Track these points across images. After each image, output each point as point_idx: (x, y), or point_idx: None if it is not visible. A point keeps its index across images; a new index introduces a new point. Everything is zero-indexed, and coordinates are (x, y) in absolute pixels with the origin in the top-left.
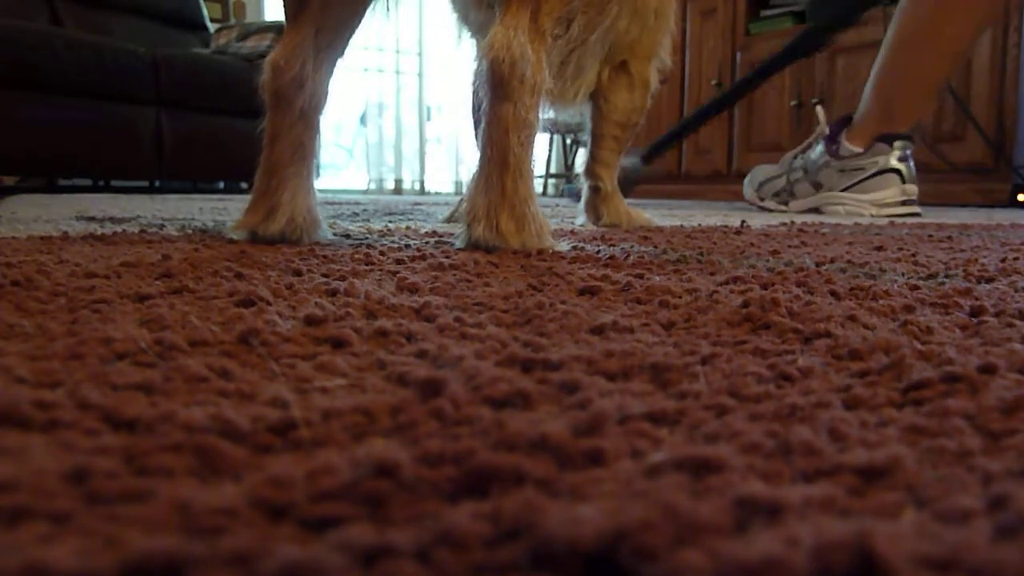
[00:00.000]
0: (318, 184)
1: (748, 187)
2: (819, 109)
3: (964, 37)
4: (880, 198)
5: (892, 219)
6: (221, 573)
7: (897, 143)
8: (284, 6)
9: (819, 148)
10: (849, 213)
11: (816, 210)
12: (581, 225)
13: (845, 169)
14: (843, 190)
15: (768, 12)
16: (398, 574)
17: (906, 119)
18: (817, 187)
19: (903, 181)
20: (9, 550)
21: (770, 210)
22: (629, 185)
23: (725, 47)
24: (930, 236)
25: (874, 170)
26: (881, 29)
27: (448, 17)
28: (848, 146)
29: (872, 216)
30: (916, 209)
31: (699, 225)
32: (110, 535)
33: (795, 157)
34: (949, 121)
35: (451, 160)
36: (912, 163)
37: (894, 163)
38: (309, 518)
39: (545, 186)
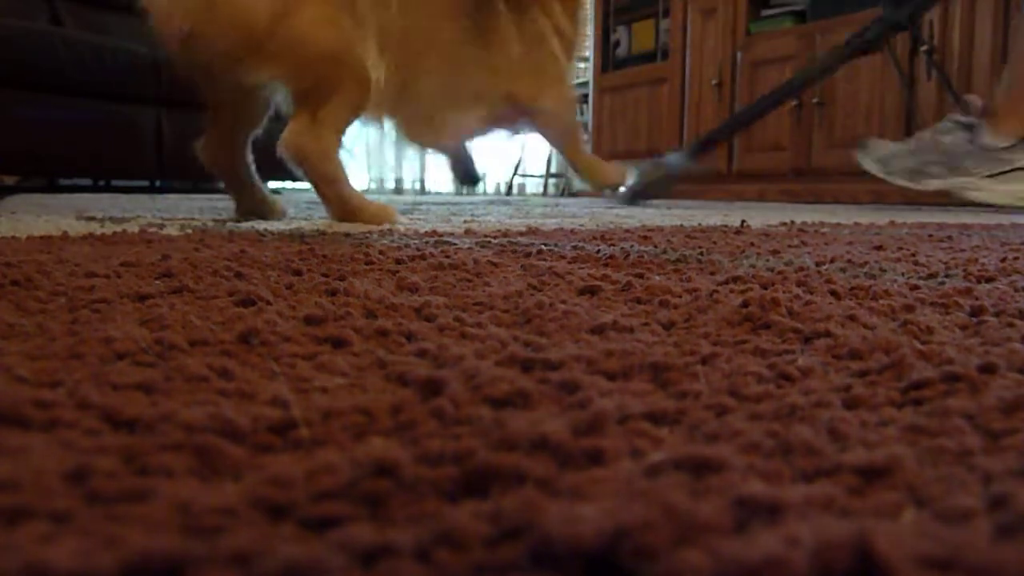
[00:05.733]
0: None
1: (869, 160)
2: (974, 97)
3: None
4: (1017, 190)
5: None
6: (221, 573)
7: None
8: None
9: (960, 135)
10: (986, 200)
11: (946, 192)
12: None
13: (991, 157)
14: (983, 177)
15: (768, 12)
16: (398, 574)
17: None
18: (954, 171)
19: None
20: (9, 550)
21: (899, 185)
22: (668, 184)
23: (725, 47)
24: (930, 236)
25: (1017, 165)
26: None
27: None
28: (992, 137)
29: (1005, 204)
30: None
31: (699, 225)
32: (110, 535)
33: (925, 137)
34: None
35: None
36: None
37: None
38: (309, 518)
39: (545, 186)
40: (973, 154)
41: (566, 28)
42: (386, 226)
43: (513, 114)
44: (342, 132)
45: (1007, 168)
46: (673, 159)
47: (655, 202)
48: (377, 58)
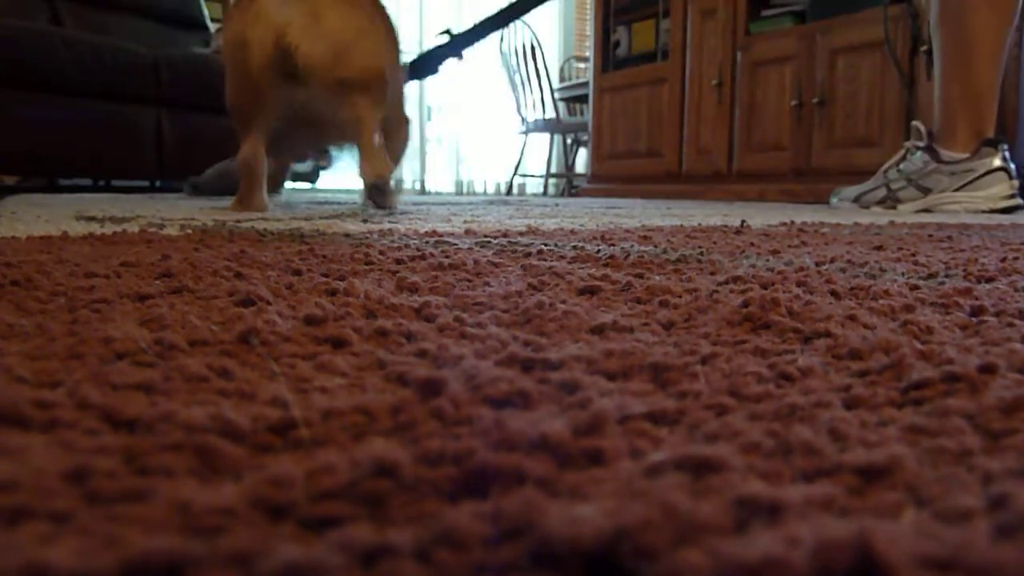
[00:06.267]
0: (319, 184)
1: (842, 202)
2: (918, 123)
3: (999, 38)
4: (995, 193)
5: (1006, 212)
6: (221, 573)
7: (1000, 146)
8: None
9: (919, 157)
10: (967, 210)
11: (927, 211)
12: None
13: (956, 172)
14: (956, 190)
15: (768, 12)
16: (398, 574)
17: (990, 123)
18: (925, 191)
19: (1010, 177)
20: (9, 550)
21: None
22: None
23: (725, 47)
24: (930, 236)
25: (984, 170)
26: (880, 29)
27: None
28: (950, 153)
29: (989, 209)
30: (1020, 200)
31: (699, 225)
32: (110, 535)
33: (887, 171)
34: None
35: (451, 160)
36: (1010, 161)
37: (999, 163)
38: (309, 518)
39: (546, 186)
40: (939, 171)
41: None
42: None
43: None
44: (380, 118)
45: (974, 177)
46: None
47: (655, 203)
48: None
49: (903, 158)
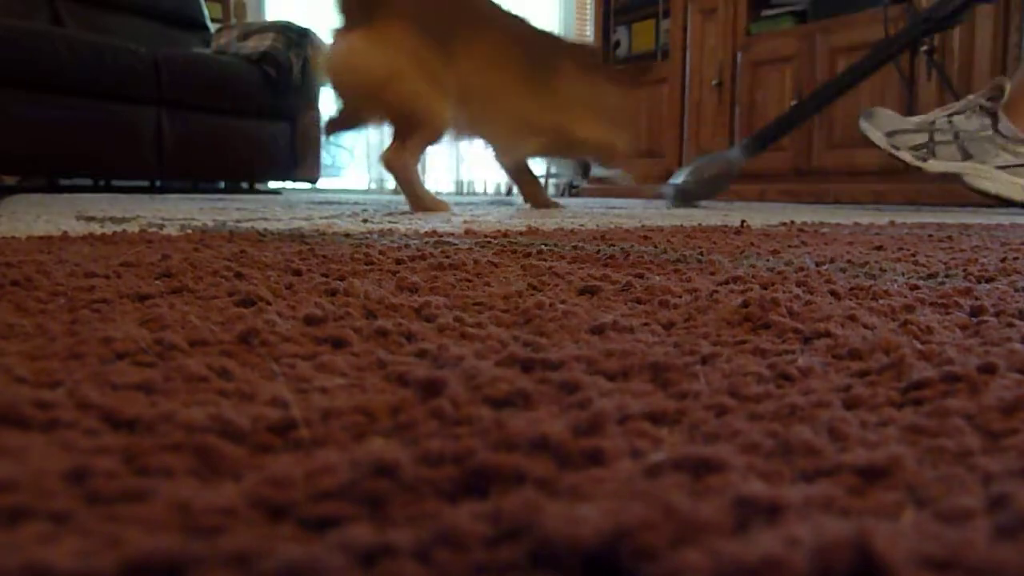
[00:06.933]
0: (318, 184)
1: (873, 129)
2: (1003, 79)
3: None
4: None
5: None
6: (221, 573)
7: None
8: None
9: (978, 119)
10: (999, 192)
11: (954, 176)
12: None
13: (1007, 148)
14: (998, 168)
15: (768, 12)
16: (398, 574)
17: None
18: (967, 156)
19: None
20: (9, 550)
21: (904, 161)
22: (725, 182)
23: (726, 47)
24: (930, 236)
25: None
26: (880, 29)
27: None
28: (1011, 127)
29: (1021, 201)
30: None
31: (699, 225)
32: (110, 535)
33: (936, 119)
34: None
35: (451, 160)
36: None
37: None
38: (309, 518)
39: (546, 185)
40: (991, 141)
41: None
42: (445, 215)
43: (561, 140)
44: (418, 155)
45: (1018, 163)
46: (733, 154)
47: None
48: (456, 107)
49: (960, 111)
